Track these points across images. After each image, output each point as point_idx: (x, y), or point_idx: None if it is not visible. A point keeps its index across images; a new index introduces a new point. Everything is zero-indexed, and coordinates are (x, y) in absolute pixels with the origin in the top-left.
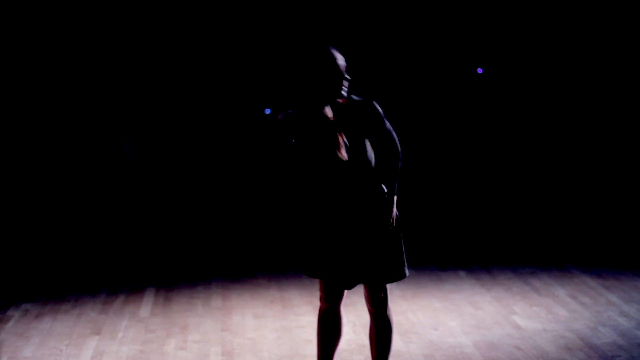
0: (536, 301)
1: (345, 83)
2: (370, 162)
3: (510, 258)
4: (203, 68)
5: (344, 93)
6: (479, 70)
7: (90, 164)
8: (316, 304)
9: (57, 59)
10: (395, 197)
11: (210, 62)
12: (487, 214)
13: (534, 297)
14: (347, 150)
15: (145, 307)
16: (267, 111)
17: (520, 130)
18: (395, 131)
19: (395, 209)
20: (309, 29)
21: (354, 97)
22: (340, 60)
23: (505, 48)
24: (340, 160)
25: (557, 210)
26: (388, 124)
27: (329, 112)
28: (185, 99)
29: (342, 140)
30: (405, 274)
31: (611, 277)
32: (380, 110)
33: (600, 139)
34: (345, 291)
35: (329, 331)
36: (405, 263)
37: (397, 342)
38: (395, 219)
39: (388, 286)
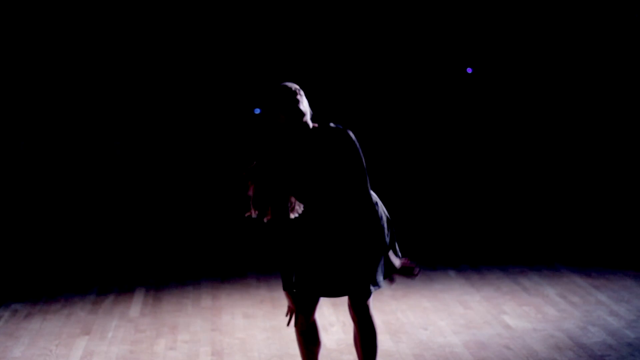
0: (526, 301)
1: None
2: (342, 190)
3: (500, 258)
4: (193, 68)
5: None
6: (469, 70)
7: (80, 164)
8: None
9: (48, 59)
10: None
11: (201, 62)
12: (476, 214)
13: (524, 297)
14: (316, 178)
15: (135, 307)
16: (257, 111)
17: (509, 131)
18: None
19: (396, 259)
20: (301, 30)
21: (332, 124)
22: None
23: (496, 47)
24: (311, 188)
25: (546, 210)
26: (363, 165)
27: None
28: (174, 99)
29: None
30: (370, 290)
31: (601, 277)
32: (356, 143)
33: (589, 140)
34: (318, 303)
35: (308, 340)
36: (377, 279)
37: (387, 342)
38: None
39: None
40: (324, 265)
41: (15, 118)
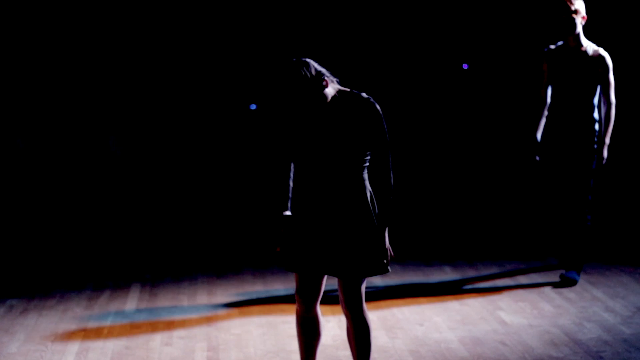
0: (521, 297)
1: (325, 82)
2: (355, 162)
3: (495, 254)
4: (188, 64)
5: (327, 91)
6: (465, 66)
7: (75, 159)
8: None
9: (42, 54)
10: (386, 230)
11: (197, 57)
12: (472, 210)
13: (520, 293)
14: (329, 141)
15: (131, 302)
16: (253, 107)
17: (505, 127)
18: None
19: (387, 242)
20: (296, 28)
21: (363, 94)
22: (311, 66)
23: (492, 43)
24: (318, 151)
25: (541, 206)
26: (387, 140)
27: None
28: (169, 94)
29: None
30: (386, 269)
31: (596, 273)
32: (381, 115)
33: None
34: (322, 291)
35: (307, 332)
36: (384, 260)
37: (383, 338)
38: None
39: (374, 282)
40: (317, 240)
41: (10, 115)
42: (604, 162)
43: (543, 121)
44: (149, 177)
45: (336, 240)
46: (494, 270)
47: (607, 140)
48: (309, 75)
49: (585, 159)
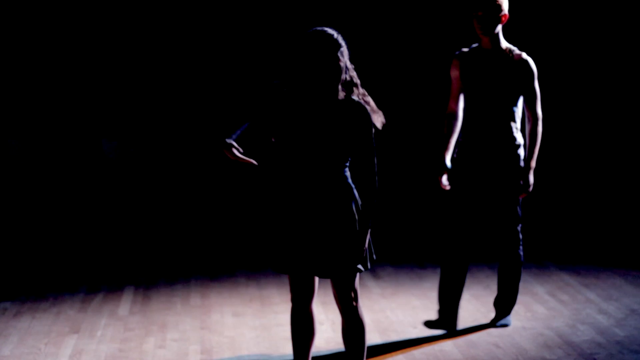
0: None
1: (346, 76)
2: (338, 160)
3: (489, 256)
4: (184, 66)
5: (342, 91)
6: None
7: (69, 162)
8: None
9: (36, 56)
10: (368, 231)
11: (192, 61)
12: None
13: None
14: (316, 141)
15: (124, 305)
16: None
17: None
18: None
19: (367, 242)
20: (292, 28)
21: (354, 97)
22: (344, 49)
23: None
24: (304, 145)
25: (536, 208)
26: (374, 145)
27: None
28: (161, 96)
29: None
30: (361, 268)
31: (590, 275)
32: (371, 120)
33: (578, 137)
34: (316, 291)
35: (302, 331)
36: (367, 258)
37: (376, 340)
38: (365, 250)
39: (368, 284)
40: (303, 241)
41: (3, 116)
42: (530, 188)
43: (454, 140)
44: (143, 180)
45: (317, 238)
46: (487, 272)
47: (534, 163)
48: (342, 47)
49: (507, 188)
